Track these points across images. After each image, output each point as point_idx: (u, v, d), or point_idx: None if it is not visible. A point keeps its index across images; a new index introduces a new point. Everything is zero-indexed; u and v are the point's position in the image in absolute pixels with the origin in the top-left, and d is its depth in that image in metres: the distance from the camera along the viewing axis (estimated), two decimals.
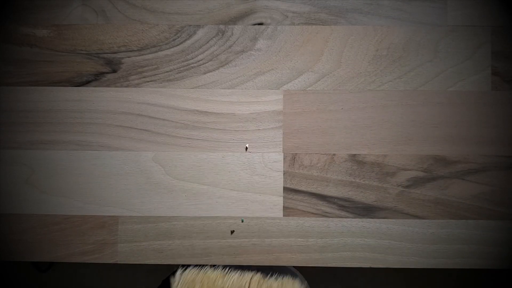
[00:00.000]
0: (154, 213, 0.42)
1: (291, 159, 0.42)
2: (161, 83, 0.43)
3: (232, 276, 0.38)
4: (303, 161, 0.42)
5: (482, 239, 0.41)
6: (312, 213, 0.42)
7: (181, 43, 0.43)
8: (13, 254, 0.42)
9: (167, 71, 0.43)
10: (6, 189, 0.43)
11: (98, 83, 0.43)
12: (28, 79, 0.43)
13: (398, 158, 0.42)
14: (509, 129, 0.41)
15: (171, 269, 0.51)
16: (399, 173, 0.42)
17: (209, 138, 0.42)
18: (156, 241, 0.42)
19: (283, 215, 0.42)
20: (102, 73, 0.43)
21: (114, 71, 0.43)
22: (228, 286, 0.37)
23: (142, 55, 0.43)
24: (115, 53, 0.43)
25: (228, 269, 0.38)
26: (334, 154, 0.42)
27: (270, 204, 0.42)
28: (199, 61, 0.43)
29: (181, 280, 0.38)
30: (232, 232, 0.39)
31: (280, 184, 0.42)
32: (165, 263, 0.42)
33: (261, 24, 0.43)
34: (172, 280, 0.38)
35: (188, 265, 0.39)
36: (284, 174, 0.42)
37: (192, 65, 0.43)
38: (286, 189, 0.42)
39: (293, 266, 0.41)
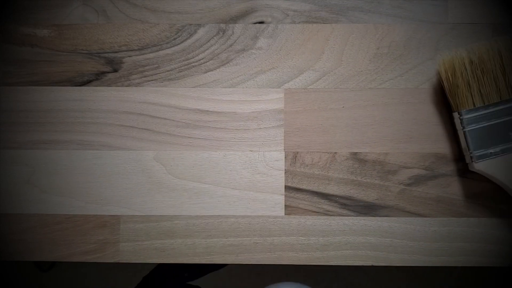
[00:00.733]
0: (155, 212, 0.42)
1: (292, 157, 0.42)
2: (162, 82, 0.43)
3: None
4: (304, 160, 0.42)
5: (484, 237, 0.41)
6: (314, 211, 0.42)
7: (182, 42, 0.43)
8: (14, 254, 0.42)
9: (168, 70, 0.43)
10: (6, 189, 0.43)
11: (99, 82, 0.43)
12: (29, 79, 0.43)
13: (399, 156, 0.42)
14: None
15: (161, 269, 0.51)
16: (401, 171, 0.42)
17: (210, 137, 0.42)
18: (158, 240, 0.42)
19: (285, 214, 0.42)
20: (103, 73, 0.43)
21: (115, 70, 0.43)
22: None
23: (143, 54, 0.43)
24: (116, 52, 0.43)
25: None
26: (335, 153, 0.42)
27: (272, 202, 0.42)
28: (200, 60, 0.43)
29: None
30: None
31: (281, 182, 0.42)
32: (167, 262, 0.42)
33: (261, 22, 0.43)
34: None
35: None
36: (285, 172, 0.42)
37: (193, 64, 0.43)
38: (287, 188, 0.42)
39: (295, 265, 0.41)
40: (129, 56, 0.43)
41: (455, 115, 0.40)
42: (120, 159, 0.43)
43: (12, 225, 0.43)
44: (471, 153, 0.39)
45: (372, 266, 0.44)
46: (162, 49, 0.43)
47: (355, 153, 0.42)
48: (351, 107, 0.42)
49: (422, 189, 0.42)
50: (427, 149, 0.42)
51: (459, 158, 0.42)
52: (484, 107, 0.39)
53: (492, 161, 0.39)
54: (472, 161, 0.40)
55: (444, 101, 0.42)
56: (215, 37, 0.43)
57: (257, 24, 0.43)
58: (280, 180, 0.42)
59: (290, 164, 0.42)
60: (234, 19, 0.43)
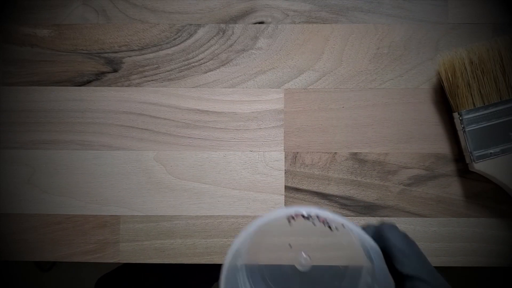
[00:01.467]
0: (155, 212, 0.42)
1: (292, 157, 0.42)
2: (162, 82, 0.43)
3: None
4: (304, 160, 0.42)
5: (483, 237, 0.41)
6: None
7: (182, 42, 0.43)
8: (15, 254, 0.43)
9: (168, 71, 0.43)
10: (7, 189, 0.43)
11: (99, 82, 0.43)
12: (29, 79, 0.43)
13: (399, 157, 0.42)
14: None
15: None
16: (401, 172, 0.42)
17: (210, 137, 0.42)
18: (158, 240, 0.42)
19: None
20: (103, 73, 0.43)
21: (115, 70, 0.43)
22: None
23: (143, 54, 0.43)
24: (116, 52, 0.43)
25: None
26: (335, 153, 0.42)
27: (272, 202, 0.42)
28: (200, 60, 0.43)
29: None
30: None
31: (281, 182, 0.42)
32: (167, 262, 0.42)
33: (261, 23, 0.43)
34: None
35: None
36: (285, 172, 0.42)
37: (193, 64, 0.43)
38: (287, 188, 0.42)
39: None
40: (129, 56, 0.43)
41: (455, 115, 0.40)
42: (120, 159, 0.43)
43: (12, 225, 0.43)
44: (471, 153, 0.39)
45: None
46: (162, 49, 0.43)
47: (355, 153, 0.42)
48: (351, 107, 0.42)
49: (422, 189, 0.42)
50: (427, 149, 0.42)
51: (459, 158, 0.42)
52: (484, 107, 0.39)
53: (492, 161, 0.39)
54: (472, 161, 0.40)
55: (444, 101, 0.42)
56: (215, 37, 0.43)
57: (257, 24, 0.43)
58: (280, 180, 0.42)
59: (290, 164, 0.42)
60: (234, 19, 0.43)
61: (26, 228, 0.42)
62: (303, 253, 0.32)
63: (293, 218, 0.32)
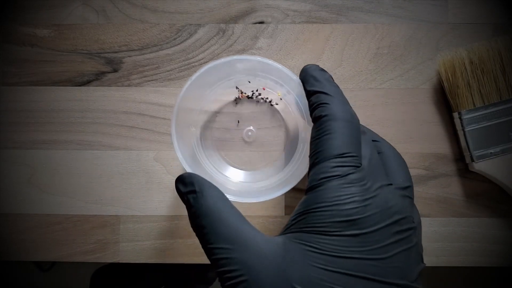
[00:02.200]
0: (155, 212, 0.42)
1: None
2: (162, 82, 0.43)
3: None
4: None
5: (484, 237, 0.41)
6: None
7: (182, 42, 0.43)
8: (15, 254, 0.43)
9: (168, 70, 0.43)
10: (7, 189, 0.43)
11: (99, 82, 0.43)
12: (29, 79, 0.43)
13: None
14: None
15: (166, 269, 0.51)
16: None
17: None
18: (158, 240, 0.42)
19: (285, 214, 0.42)
20: (103, 73, 0.43)
21: (115, 70, 0.43)
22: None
23: (143, 54, 0.43)
24: (116, 52, 0.43)
25: None
26: None
27: (272, 202, 0.42)
28: (200, 60, 0.43)
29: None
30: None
31: None
32: (167, 262, 0.42)
33: (262, 23, 0.43)
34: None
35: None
36: None
37: (193, 64, 0.43)
38: None
39: None
40: (129, 56, 0.43)
41: (455, 115, 0.40)
42: (120, 159, 0.43)
43: (12, 225, 0.43)
44: (471, 153, 0.39)
45: None
46: (162, 49, 0.43)
47: None
48: None
49: (422, 189, 0.42)
50: (427, 149, 0.42)
51: (459, 158, 0.42)
52: (484, 107, 0.39)
53: (492, 161, 0.39)
54: (472, 161, 0.40)
55: (444, 101, 0.42)
56: (215, 37, 0.43)
57: (257, 24, 0.43)
58: None
59: None
60: (234, 19, 0.43)
61: (26, 228, 0.42)
62: (251, 127, 0.41)
63: (239, 98, 0.42)
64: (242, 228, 0.25)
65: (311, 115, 0.28)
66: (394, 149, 0.31)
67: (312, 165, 0.26)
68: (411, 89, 0.42)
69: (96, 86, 0.43)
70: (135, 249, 0.42)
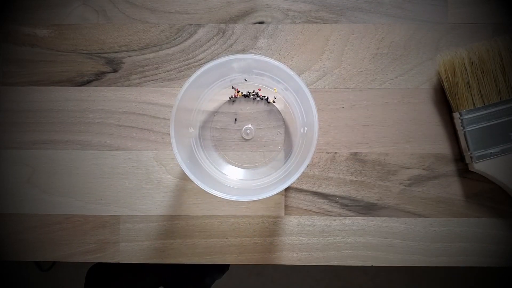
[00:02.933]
0: (155, 212, 0.42)
1: None
2: (162, 82, 0.43)
3: None
4: None
5: (483, 237, 0.41)
6: (314, 211, 0.42)
7: (182, 42, 0.43)
8: (15, 254, 0.43)
9: (168, 70, 0.43)
10: (7, 189, 0.43)
11: (99, 82, 0.43)
12: (29, 79, 0.43)
13: (399, 157, 0.42)
14: None
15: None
16: (401, 172, 0.42)
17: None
18: (158, 240, 0.42)
19: (285, 214, 0.42)
20: (103, 73, 0.43)
21: (115, 70, 0.43)
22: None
23: (143, 54, 0.43)
24: (116, 52, 0.43)
25: None
26: (335, 153, 0.42)
27: (272, 202, 0.42)
28: (200, 60, 0.43)
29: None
30: None
31: None
32: (167, 262, 0.42)
33: (261, 23, 0.43)
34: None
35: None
36: None
37: (193, 64, 0.43)
38: (287, 188, 0.42)
39: (295, 265, 0.41)
40: (129, 56, 0.43)
41: (455, 115, 0.40)
42: (120, 159, 0.43)
43: (12, 225, 0.43)
44: (471, 153, 0.39)
45: (372, 266, 0.44)
46: (162, 49, 0.43)
47: (355, 153, 0.42)
48: (351, 108, 0.42)
49: (422, 189, 0.42)
50: (427, 149, 0.42)
51: (459, 158, 0.42)
52: (484, 107, 0.39)
53: (492, 161, 0.39)
54: (472, 161, 0.40)
55: (444, 101, 0.42)
56: (215, 37, 0.43)
57: (257, 24, 0.43)
58: None
59: None
60: (234, 19, 0.43)
61: (26, 228, 0.42)
62: (250, 125, 0.41)
63: (234, 96, 0.42)
64: None
65: None
66: None
67: None
68: (411, 89, 0.42)
69: (96, 86, 0.43)
70: (135, 249, 0.42)
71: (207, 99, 0.40)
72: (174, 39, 0.43)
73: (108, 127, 0.43)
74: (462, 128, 0.40)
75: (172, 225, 0.42)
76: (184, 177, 0.42)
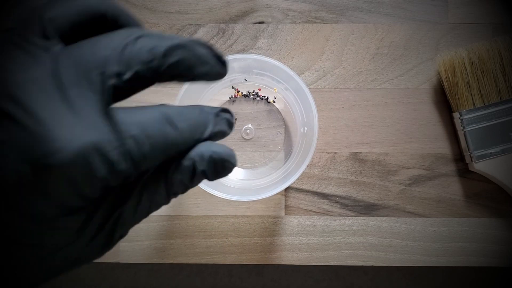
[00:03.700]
0: (155, 212, 0.42)
1: None
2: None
3: None
4: None
5: (484, 237, 0.41)
6: (314, 211, 0.42)
7: None
8: None
9: None
10: None
11: None
12: None
13: (399, 156, 0.42)
14: None
15: (173, 268, 0.51)
16: (401, 171, 0.42)
17: None
18: (158, 240, 0.42)
19: (285, 214, 0.42)
20: None
21: None
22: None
23: None
24: None
25: None
26: (335, 153, 0.42)
27: (272, 202, 0.42)
28: None
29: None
30: None
31: None
32: (167, 262, 0.42)
33: (261, 23, 0.43)
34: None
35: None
36: None
37: None
38: (287, 188, 0.42)
39: (295, 265, 0.41)
40: None
41: (455, 115, 0.40)
42: None
43: None
44: (471, 153, 0.39)
45: (372, 266, 0.44)
46: None
47: (355, 153, 0.42)
48: (351, 107, 0.42)
49: (422, 189, 0.42)
50: (427, 149, 0.42)
51: (459, 158, 0.42)
52: (484, 107, 0.39)
53: (492, 161, 0.39)
54: (472, 161, 0.40)
55: (444, 101, 0.42)
56: (215, 37, 0.43)
57: (257, 24, 0.43)
58: None
59: None
60: (234, 19, 0.43)
61: None
62: (250, 125, 0.41)
63: (234, 96, 0.42)
64: None
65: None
66: None
67: None
68: (411, 89, 0.42)
69: None
70: (135, 249, 0.42)
71: (207, 99, 0.40)
72: None
73: None
74: (462, 128, 0.40)
75: (172, 225, 0.42)
76: None
